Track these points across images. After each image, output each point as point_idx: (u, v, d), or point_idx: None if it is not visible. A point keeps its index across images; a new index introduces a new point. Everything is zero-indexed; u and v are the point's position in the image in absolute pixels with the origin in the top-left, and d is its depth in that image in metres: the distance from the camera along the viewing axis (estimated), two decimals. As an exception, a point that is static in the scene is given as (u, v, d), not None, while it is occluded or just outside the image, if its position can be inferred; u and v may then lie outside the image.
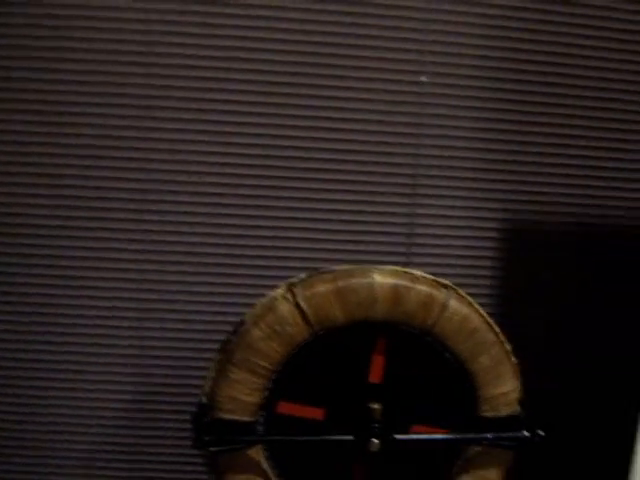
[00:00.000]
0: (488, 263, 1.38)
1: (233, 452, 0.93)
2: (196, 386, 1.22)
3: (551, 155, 1.37)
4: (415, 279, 0.91)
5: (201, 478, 1.38)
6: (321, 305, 0.89)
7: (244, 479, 0.94)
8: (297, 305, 0.89)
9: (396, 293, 0.90)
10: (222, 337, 0.97)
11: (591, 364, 1.46)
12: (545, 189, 1.37)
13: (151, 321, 1.32)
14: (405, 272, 0.92)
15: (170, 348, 1.33)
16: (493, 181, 1.37)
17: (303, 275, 0.93)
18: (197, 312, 1.32)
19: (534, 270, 1.41)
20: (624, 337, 1.43)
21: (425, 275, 0.92)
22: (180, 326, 1.32)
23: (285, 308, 0.90)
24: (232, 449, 0.93)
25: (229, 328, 0.96)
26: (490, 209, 1.38)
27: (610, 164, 1.39)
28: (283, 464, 0.97)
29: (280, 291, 0.92)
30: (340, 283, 0.90)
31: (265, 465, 0.95)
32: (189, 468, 1.39)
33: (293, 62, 1.27)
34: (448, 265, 1.37)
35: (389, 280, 0.90)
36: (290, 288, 0.91)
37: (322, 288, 0.90)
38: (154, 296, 1.32)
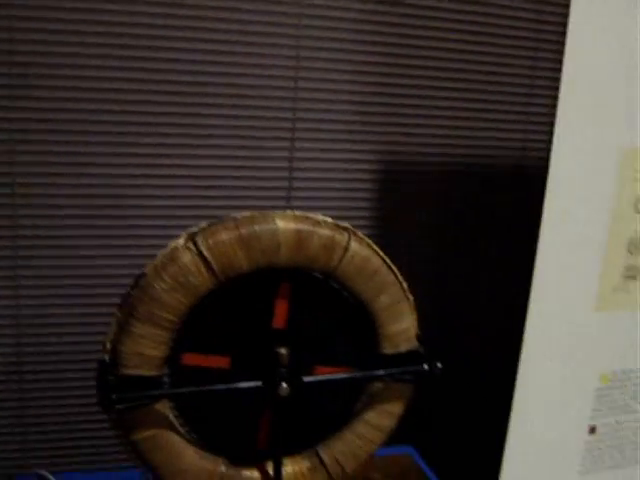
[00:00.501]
0: (367, 204, 1.43)
1: (140, 408, 0.91)
2: (96, 343, 1.19)
3: (425, 97, 1.44)
4: (317, 223, 0.92)
5: (105, 436, 1.37)
6: (225, 253, 0.89)
7: (152, 434, 0.93)
8: (200, 254, 0.88)
9: (299, 238, 0.90)
10: (122, 291, 0.94)
11: (475, 295, 1.55)
12: (420, 130, 1.44)
13: (40, 279, 1.27)
14: (306, 217, 0.92)
15: (65, 305, 1.29)
16: (369, 123, 1.43)
17: (204, 224, 0.91)
18: (95, 267, 1.28)
19: (412, 208, 1.48)
20: (503, 267, 1.53)
21: (326, 219, 0.93)
22: (77, 282, 1.28)
23: (188, 258, 0.88)
24: (139, 405, 0.91)
25: (129, 282, 0.93)
26: (367, 151, 1.43)
27: (480, 105, 1.47)
28: (192, 416, 0.96)
29: (181, 241, 0.90)
30: (243, 230, 0.89)
31: (173, 418, 0.94)
32: (93, 427, 1.37)
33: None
34: (328, 208, 1.41)
35: (292, 225, 0.91)
36: (191, 237, 0.89)
37: (225, 236, 0.89)
38: (42, 252, 1.27)
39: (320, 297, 0.96)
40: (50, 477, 1.20)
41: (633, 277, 1.16)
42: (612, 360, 1.20)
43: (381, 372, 0.98)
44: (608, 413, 1.22)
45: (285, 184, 1.39)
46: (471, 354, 1.56)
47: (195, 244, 0.88)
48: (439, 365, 0.99)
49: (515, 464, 1.19)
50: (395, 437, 1.18)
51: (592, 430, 1.22)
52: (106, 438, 1.41)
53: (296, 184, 1.39)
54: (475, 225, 1.54)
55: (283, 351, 0.93)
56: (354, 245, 0.93)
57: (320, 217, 0.93)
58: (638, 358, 1.21)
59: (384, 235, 1.47)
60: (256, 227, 0.90)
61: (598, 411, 1.21)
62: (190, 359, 0.94)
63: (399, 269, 0.98)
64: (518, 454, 1.18)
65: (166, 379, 0.93)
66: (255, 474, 0.99)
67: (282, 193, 1.40)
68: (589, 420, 1.21)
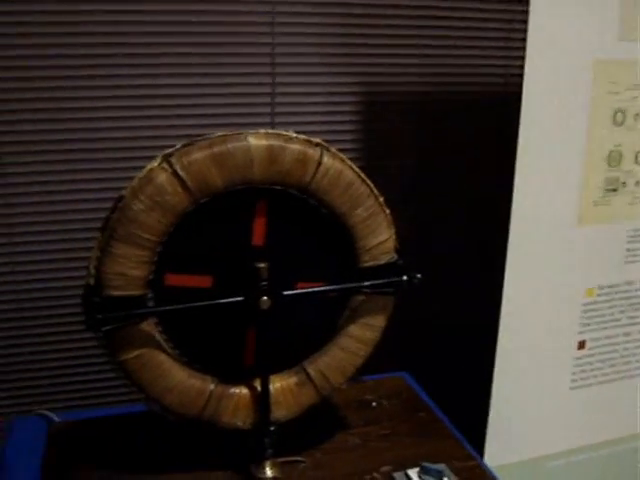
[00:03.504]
0: (348, 127, 1.45)
1: (126, 328, 0.93)
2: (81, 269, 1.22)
3: (403, 27, 1.46)
4: (288, 139, 0.94)
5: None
6: (199, 171, 0.91)
7: (139, 353, 0.95)
8: (175, 173, 0.90)
9: (271, 153, 0.92)
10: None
11: (450, 210, 1.58)
12: (398, 60, 1.46)
13: (23, 206, 1.31)
14: (278, 134, 0.94)
15: (46, 232, 1.33)
16: (348, 55, 1.45)
17: (178, 145, 0.93)
18: (77, 191, 1.31)
19: (391, 130, 1.50)
20: (486, 188, 1.55)
21: (297, 135, 0.95)
22: (57, 208, 1.32)
23: (163, 178, 0.90)
24: (125, 325, 0.93)
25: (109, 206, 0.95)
26: (349, 76, 1.46)
27: (462, 33, 1.50)
28: (179, 336, 0.99)
29: (156, 162, 0.92)
30: (216, 149, 0.91)
31: (159, 338, 0.97)
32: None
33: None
34: (311, 132, 1.44)
35: (263, 142, 0.92)
36: (166, 158, 0.91)
37: (199, 155, 0.91)
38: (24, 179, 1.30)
39: (298, 214, 0.98)
40: (52, 416, 1.22)
41: (614, 190, 1.17)
42: (597, 274, 1.20)
43: (361, 284, 0.99)
44: (597, 328, 1.23)
45: (268, 110, 1.41)
46: (458, 274, 1.58)
47: (170, 164, 0.91)
48: (418, 276, 1.00)
49: (505, 382, 1.20)
50: (389, 365, 1.20)
51: (581, 345, 1.23)
52: (107, 380, 1.44)
53: (279, 110, 1.42)
54: (458, 148, 1.56)
55: (262, 265, 0.95)
56: (327, 159, 0.95)
57: (292, 134, 0.95)
58: (623, 272, 1.21)
59: (367, 158, 1.50)
60: (229, 145, 0.92)
61: (586, 326, 1.22)
62: (173, 279, 0.96)
63: (384, 189, 1.00)
64: (508, 372, 1.20)
65: (152, 302, 0.95)
66: (244, 391, 1.01)
67: (266, 119, 1.43)
68: (578, 335, 1.22)
